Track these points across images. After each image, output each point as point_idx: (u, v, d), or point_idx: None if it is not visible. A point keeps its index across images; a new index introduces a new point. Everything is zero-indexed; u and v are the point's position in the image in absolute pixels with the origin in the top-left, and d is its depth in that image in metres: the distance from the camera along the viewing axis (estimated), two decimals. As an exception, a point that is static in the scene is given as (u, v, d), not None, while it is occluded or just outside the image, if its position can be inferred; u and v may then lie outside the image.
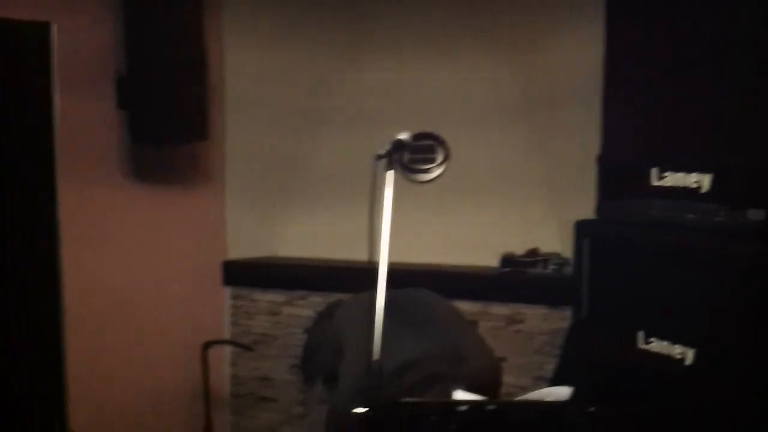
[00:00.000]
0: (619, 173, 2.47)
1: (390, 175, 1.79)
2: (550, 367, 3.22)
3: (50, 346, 3.57)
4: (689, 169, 2.17)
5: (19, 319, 3.45)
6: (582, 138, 3.45)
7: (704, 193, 2.18)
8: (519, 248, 3.67)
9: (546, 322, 3.49)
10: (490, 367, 2.02)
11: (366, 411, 1.31)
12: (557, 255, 3.56)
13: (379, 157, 1.80)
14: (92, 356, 3.70)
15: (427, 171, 2.01)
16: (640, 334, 2.32)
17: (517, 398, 1.45)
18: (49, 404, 3.59)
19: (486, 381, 1.86)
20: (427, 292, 2.47)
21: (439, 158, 1.99)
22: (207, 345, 3.74)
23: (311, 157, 4.13)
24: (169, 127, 3.59)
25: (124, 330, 3.80)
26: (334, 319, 2.47)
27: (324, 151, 4.11)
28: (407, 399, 1.24)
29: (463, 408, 1.17)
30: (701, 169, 2.13)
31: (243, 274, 4.11)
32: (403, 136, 1.88)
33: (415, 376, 1.76)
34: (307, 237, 4.15)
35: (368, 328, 1.81)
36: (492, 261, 3.71)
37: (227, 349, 4.12)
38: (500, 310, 3.56)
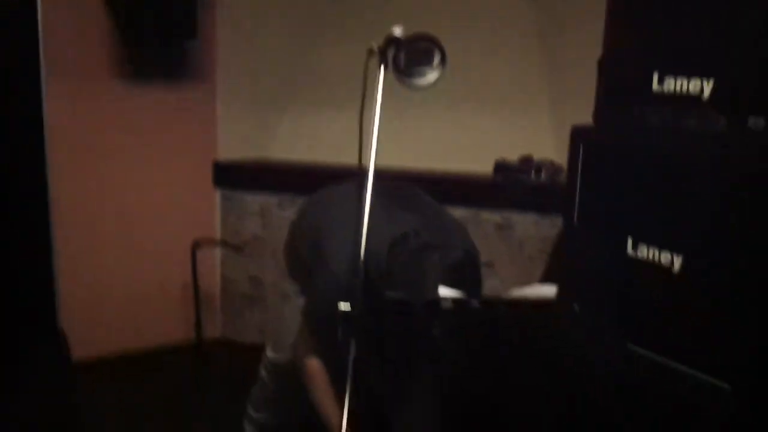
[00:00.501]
0: (619, 78, 2.38)
1: (381, 73, 1.72)
2: (539, 274, 3.24)
3: (39, 247, 3.57)
4: (690, 74, 2.09)
5: (8, 220, 3.44)
6: (584, 42, 3.34)
7: (705, 100, 2.11)
8: (515, 156, 3.64)
9: (536, 229, 3.50)
10: (475, 248, 2.02)
11: (349, 308, 1.30)
12: (551, 162, 3.52)
13: (371, 52, 1.72)
14: (84, 255, 3.71)
15: (422, 75, 1.94)
16: (629, 241, 2.31)
17: (503, 296, 1.44)
18: (38, 303, 3.63)
19: (475, 257, 1.86)
20: (407, 183, 2.45)
21: (436, 62, 1.91)
22: (196, 245, 3.75)
23: (305, 57, 4.02)
24: (157, 26, 3.49)
25: (114, 229, 3.79)
26: (305, 213, 2.43)
27: (319, 51, 4.00)
28: (391, 294, 1.22)
29: (448, 305, 1.16)
30: (703, 74, 2.06)
31: (233, 176, 4.07)
32: (398, 31, 1.80)
33: (410, 246, 1.75)
34: (299, 139, 4.09)
35: (353, 219, 1.79)
36: (487, 168, 3.68)
37: (217, 250, 4.13)
38: (491, 216, 3.55)
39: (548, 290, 1.46)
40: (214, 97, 4.03)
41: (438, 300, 1.16)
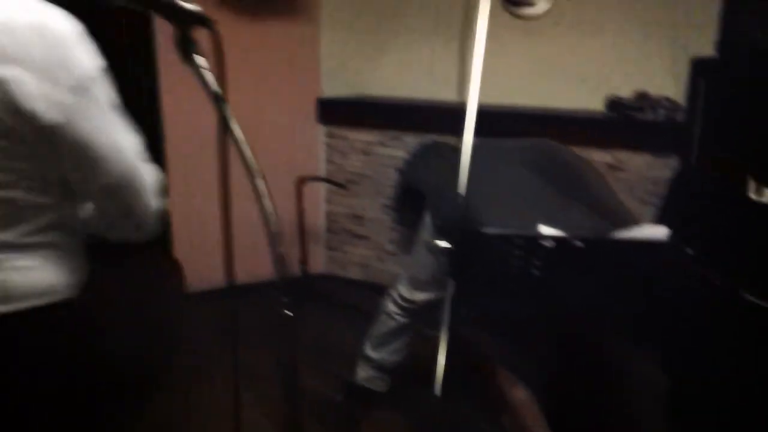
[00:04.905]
0: (747, 3, 2.19)
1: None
2: (650, 217, 3.09)
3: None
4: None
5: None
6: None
7: None
8: (628, 90, 3.44)
9: (650, 170, 3.32)
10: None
11: (448, 245, 1.26)
12: (668, 99, 3.31)
13: (476, -23, 1.63)
14: (192, 189, 3.84)
15: (532, 4, 1.84)
16: (752, 184, 2.15)
17: (609, 236, 1.37)
18: (154, 237, 3.80)
19: None
20: (556, 145, 2.27)
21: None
22: (301, 181, 3.80)
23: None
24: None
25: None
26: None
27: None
28: (490, 230, 1.18)
29: (549, 243, 1.10)
30: None
31: (337, 113, 4.07)
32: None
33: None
34: (403, 75, 4.02)
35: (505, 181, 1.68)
36: (597, 104, 3.51)
37: (322, 187, 4.18)
38: (602, 156, 3.39)
39: (657, 232, 1.37)
40: (317, 33, 4.01)
41: (539, 237, 1.10)
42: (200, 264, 3.77)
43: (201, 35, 1.07)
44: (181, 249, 3.82)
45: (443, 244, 1.30)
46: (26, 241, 1.16)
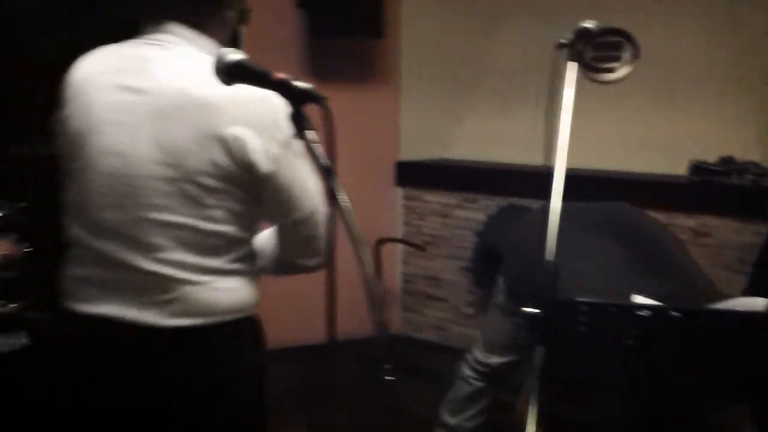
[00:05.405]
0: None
1: (572, 67, 1.66)
2: (739, 285, 2.99)
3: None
4: None
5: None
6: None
7: None
8: (712, 155, 3.38)
9: (737, 236, 3.22)
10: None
11: (537, 311, 1.26)
12: (755, 164, 3.23)
13: (561, 45, 1.66)
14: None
15: (612, 70, 1.84)
16: None
17: (706, 307, 1.33)
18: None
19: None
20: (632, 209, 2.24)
21: (627, 57, 1.81)
22: (380, 242, 3.84)
23: (488, 55, 4.00)
24: (345, 22, 3.63)
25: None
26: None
27: (502, 48, 3.95)
28: (582, 299, 1.17)
29: (645, 313, 1.08)
30: None
31: (415, 175, 4.13)
32: (589, 24, 1.72)
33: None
34: (480, 138, 4.07)
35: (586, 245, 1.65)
36: (680, 168, 3.45)
37: (399, 248, 4.20)
38: (686, 221, 3.32)
39: (757, 303, 1.33)
40: (397, 98, 4.10)
41: (634, 306, 1.09)
42: (281, 322, 3.82)
43: (311, 110, 1.15)
44: (263, 304, 3.89)
45: (531, 310, 1.29)
46: (230, 268, 1.45)
